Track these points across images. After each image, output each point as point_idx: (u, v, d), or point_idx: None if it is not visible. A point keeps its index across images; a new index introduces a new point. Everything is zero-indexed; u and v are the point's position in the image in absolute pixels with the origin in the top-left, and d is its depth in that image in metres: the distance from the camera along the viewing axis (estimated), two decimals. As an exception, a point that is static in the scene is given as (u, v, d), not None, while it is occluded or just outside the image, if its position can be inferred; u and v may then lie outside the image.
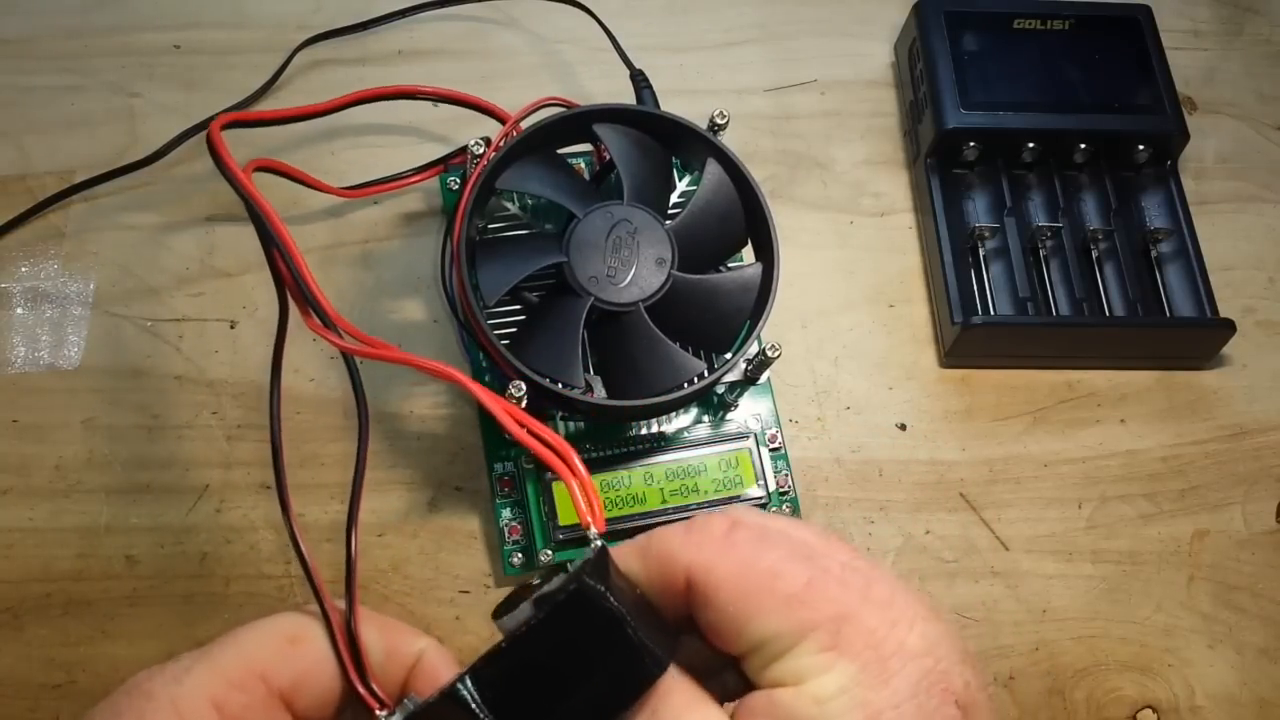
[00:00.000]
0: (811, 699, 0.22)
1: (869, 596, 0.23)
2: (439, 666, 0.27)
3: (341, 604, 0.27)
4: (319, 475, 0.40)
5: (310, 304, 0.30)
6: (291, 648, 0.26)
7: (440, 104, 0.44)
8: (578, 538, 0.37)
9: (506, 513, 0.39)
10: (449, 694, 0.23)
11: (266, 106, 0.46)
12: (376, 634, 0.27)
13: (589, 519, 0.26)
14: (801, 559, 0.24)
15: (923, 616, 0.23)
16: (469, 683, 0.23)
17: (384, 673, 0.27)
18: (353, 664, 0.26)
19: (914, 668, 0.22)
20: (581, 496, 0.27)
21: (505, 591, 0.39)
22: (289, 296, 0.30)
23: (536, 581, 0.25)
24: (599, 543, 0.25)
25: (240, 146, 0.45)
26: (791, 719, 0.23)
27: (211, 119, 0.33)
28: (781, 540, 0.25)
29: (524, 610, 0.24)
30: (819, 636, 0.23)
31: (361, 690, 0.26)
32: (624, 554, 0.26)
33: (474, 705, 0.23)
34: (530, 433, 0.29)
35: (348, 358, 0.33)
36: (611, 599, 0.23)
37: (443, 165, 0.44)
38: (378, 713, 0.26)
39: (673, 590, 0.25)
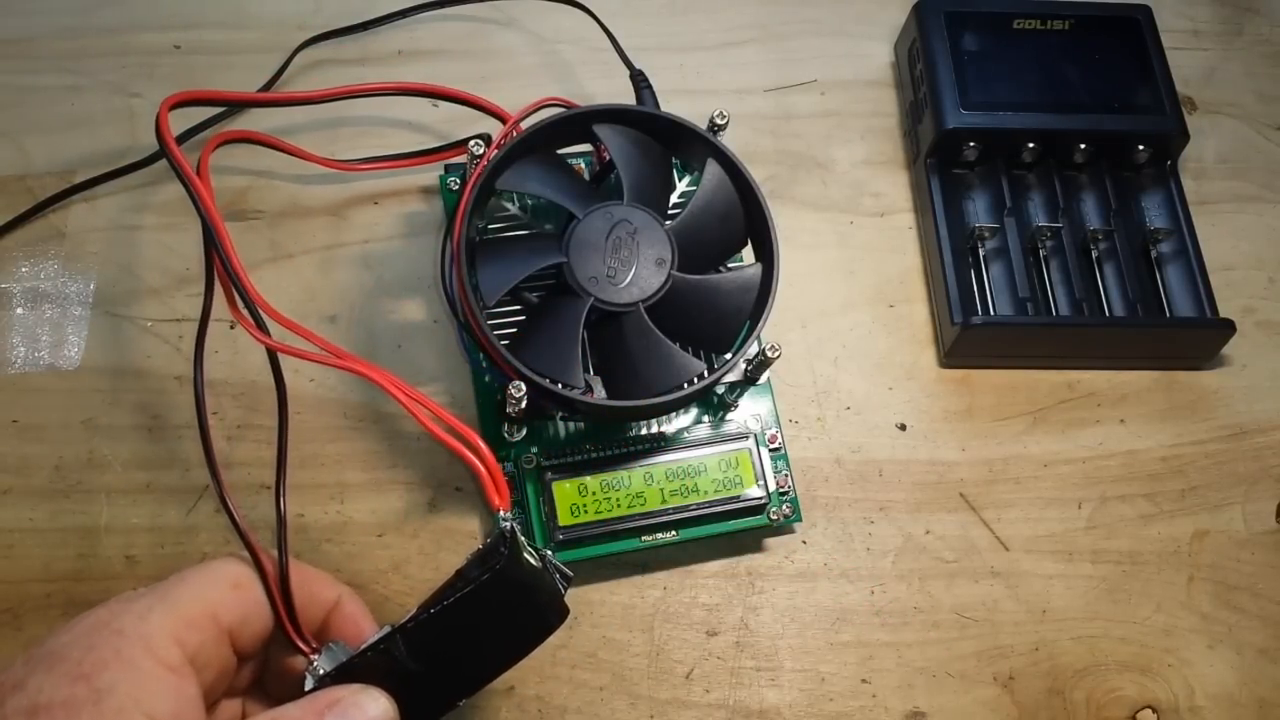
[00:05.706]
0: None
1: None
2: (355, 612, 0.32)
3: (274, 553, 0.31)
4: (319, 475, 0.40)
5: (236, 289, 0.33)
6: (235, 591, 0.29)
7: (440, 104, 0.44)
8: (577, 538, 0.37)
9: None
10: (380, 648, 0.29)
11: (266, 106, 0.46)
12: (299, 582, 0.31)
13: (497, 501, 0.32)
14: None
15: None
16: (398, 639, 0.29)
17: (305, 615, 0.31)
18: (286, 615, 0.30)
19: None
20: (491, 483, 0.32)
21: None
22: (216, 278, 0.33)
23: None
24: (509, 524, 0.31)
25: (238, 149, 0.45)
26: None
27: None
28: None
29: (451, 581, 0.30)
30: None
31: (295, 638, 0.30)
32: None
33: (399, 655, 0.29)
34: (445, 426, 0.33)
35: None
36: (525, 573, 0.30)
37: (445, 153, 0.44)
38: (309, 656, 0.30)
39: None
